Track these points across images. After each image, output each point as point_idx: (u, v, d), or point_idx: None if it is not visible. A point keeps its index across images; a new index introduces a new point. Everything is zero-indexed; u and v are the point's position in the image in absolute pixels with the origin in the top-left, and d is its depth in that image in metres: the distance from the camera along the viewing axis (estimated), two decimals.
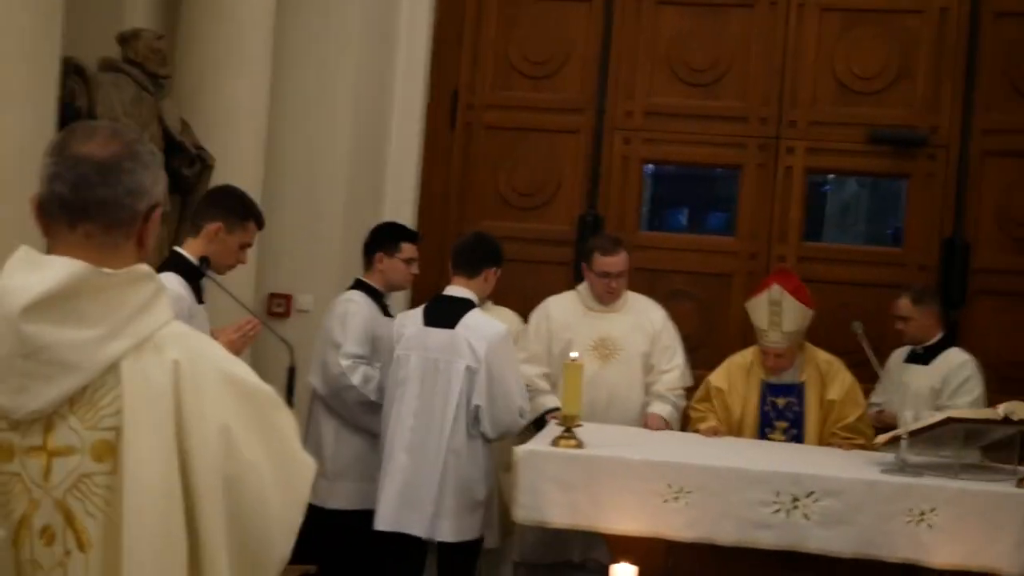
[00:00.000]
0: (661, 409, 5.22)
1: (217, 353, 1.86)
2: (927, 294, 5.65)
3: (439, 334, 4.58)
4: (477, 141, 6.82)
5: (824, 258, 6.53)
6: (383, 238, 5.04)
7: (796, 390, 5.14)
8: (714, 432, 4.98)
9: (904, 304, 5.50)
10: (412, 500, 4.48)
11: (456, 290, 4.72)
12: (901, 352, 5.55)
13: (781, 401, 5.13)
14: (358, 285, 5.01)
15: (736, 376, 5.22)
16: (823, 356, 5.23)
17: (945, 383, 5.33)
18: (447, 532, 4.50)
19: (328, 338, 4.88)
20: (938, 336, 5.49)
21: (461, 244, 4.96)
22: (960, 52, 6.36)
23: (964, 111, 6.37)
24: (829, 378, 5.13)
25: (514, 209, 6.76)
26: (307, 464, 2.00)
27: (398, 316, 4.90)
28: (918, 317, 5.47)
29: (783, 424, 5.11)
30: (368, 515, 4.61)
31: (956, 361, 5.41)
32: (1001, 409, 4.25)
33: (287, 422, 1.97)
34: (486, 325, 4.66)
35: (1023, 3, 6.31)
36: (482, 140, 6.82)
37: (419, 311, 4.73)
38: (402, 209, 6.46)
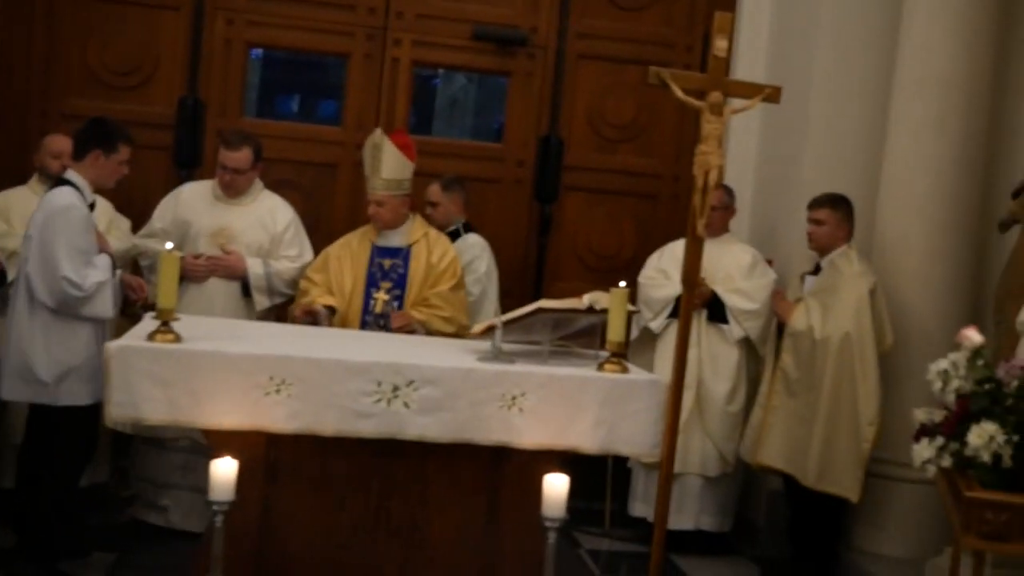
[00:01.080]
0: (252, 263, 5.42)
1: None
2: (455, 182, 6.00)
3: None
4: (63, 9, 6.22)
5: (430, 152, 6.59)
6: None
7: (402, 253, 5.39)
8: (305, 311, 5.19)
9: (434, 190, 5.91)
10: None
11: (68, 172, 4.81)
12: None
13: (387, 263, 5.37)
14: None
15: (351, 240, 5.46)
16: (434, 230, 5.54)
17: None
18: (6, 391, 4.69)
19: None
20: (462, 220, 5.95)
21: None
22: None
23: (561, 14, 6.65)
24: (435, 246, 5.42)
25: (108, 88, 6.29)
26: None
27: None
28: (445, 202, 5.89)
29: (387, 284, 5.34)
30: None
31: (468, 242, 5.89)
32: (586, 299, 4.51)
33: None
34: (52, 198, 4.69)
35: None
36: (69, 9, 6.23)
37: None
38: None
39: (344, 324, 5.30)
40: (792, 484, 5.44)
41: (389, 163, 5.27)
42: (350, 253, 5.42)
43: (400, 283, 5.34)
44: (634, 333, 5.92)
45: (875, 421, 5.16)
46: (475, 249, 5.87)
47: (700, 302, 5.67)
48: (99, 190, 4.90)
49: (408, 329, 5.20)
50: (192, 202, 5.50)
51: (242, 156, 5.42)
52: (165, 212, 5.51)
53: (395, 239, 5.42)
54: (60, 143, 5.41)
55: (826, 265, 5.50)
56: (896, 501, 5.41)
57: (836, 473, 5.20)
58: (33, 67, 6.21)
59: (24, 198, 5.45)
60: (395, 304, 5.28)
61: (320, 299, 5.30)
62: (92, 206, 4.81)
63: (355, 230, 5.63)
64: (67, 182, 4.76)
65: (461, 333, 5.25)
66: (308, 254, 5.58)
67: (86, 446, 4.87)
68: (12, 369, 4.64)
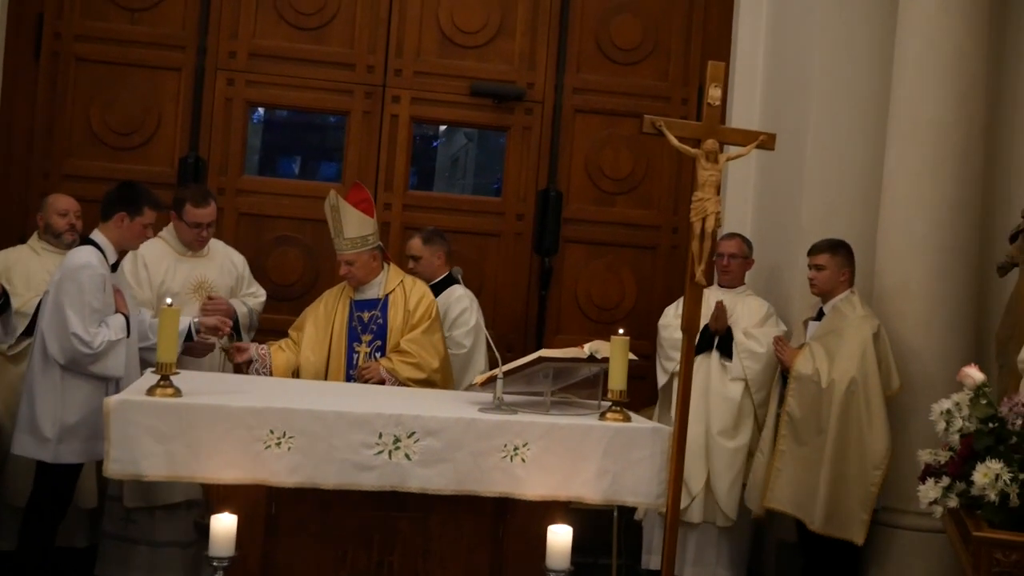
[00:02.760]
0: (236, 303, 5.52)
1: None
2: (437, 235, 5.98)
3: None
4: (66, 73, 6.31)
5: (429, 206, 6.68)
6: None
7: (380, 304, 5.37)
8: (238, 351, 5.26)
9: (415, 244, 5.90)
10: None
11: (93, 232, 4.88)
12: None
13: (366, 315, 5.35)
14: None
15: (328, 299, 5.45)
16: (410, 277, 5.51)
17: (446, 314, 5.75)
18: (16, 446, 4.72)
19: None
20: (445, 273, 5.90)
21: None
22: (554, 14, 6.72)
23: (557, 70, 6.72)
24: (412, 292, 5.38)
25: (109, 148, 6.35)
26: None
27: None
28: (428, 256, 5.88)
29: (368, 337, 5.31)
30: None
31: (455, 295, 5.85)
32: (587, 348, 4.51)
33: None
34: (71, 257, 4.77)
35: None
36: (72, 73, 6.31)
37: None
38: None
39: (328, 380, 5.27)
40: (805, 532, 5.39)
41: (350, 222, 5.25)
42: (327, 311, 5.39)
43: (380, 334, 5.31)
44: (662, 380, 5.94)
45: (882, 464, 5.14)
46: (463, 301, 5.83)
47: (717, 329, 5.74)
48: (123, 251, 4.95)
49: (376, 379, 5.17)
50: (158, 263, 5.46)
51: (213, 209, 5.49)
52: (138, 279, 5.42)
53: (371, 291, 5.38)
54: (65, 202, 5.49)
55: (829, 310, 5.51)
56: (906, 548, 5.34)
57: (842, 517, 5.16)
58: (36, 129, 6.28)
59: (25, 257, 5.48)
60: (377, 355, 5.25)
61: (273, 347, 5.32)
62: (115, 267, 4.86)
63: (332, 288, 5.58)
64: (91, 242, 4.81)
65: (432, 378, 5.23)
66: (262, 292, 5.75)
67: (63, 504, 4.84)
68: (22, 424, 4.66)
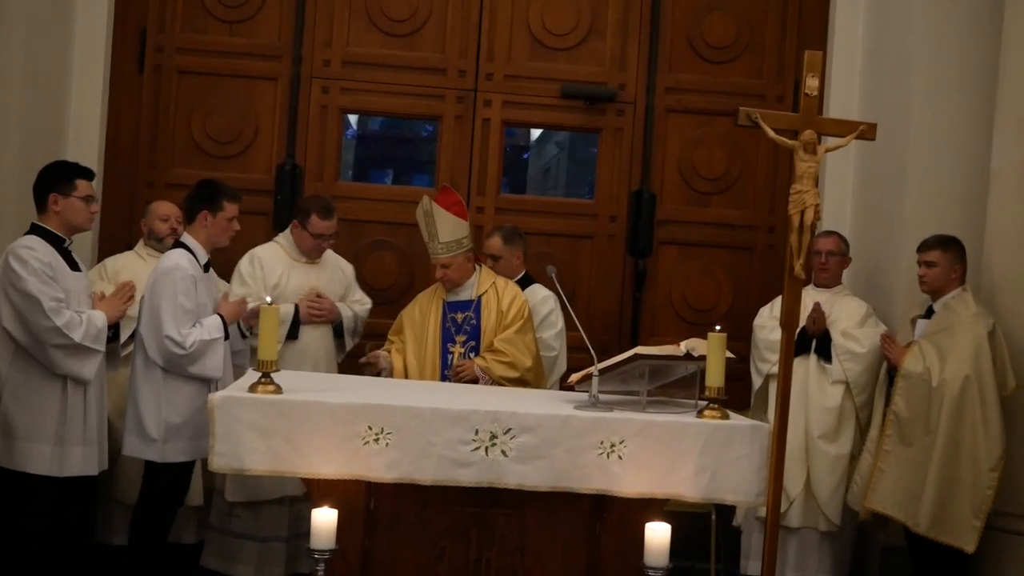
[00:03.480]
0: (342, 307, 5.66)
1: None
2: (516, 234, 5.94)
3: None
4: (168, 85, 6.48)
5: (522, 209, 6.69)
6: (56, 177, 4.66)
7: (473, 305, 5.42)
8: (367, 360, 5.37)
9: (495, 243, 5.84)
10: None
11: (183, 235, 5.04)
12: None
13: (459, 316, 5.40)
14: (34, 230, 4.61)
15: (422, 301, 5.52)
16: (502, 278, 5.54)
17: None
18: (126, 447, 4.84)
19: (13, 288, 4.45)
20: (523, 272, 5.87)
21: None
22: (645, 13, 6.68)
23: (649, 69, 6.68)
24: (504, 293, 5.43)
25: (210, 157, 6.50)
26: None
27: None
28: (507, 255, 5.83)
29: (462, 338, 5.36)
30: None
31: (540, 296, 5.81)
32: (683, 346, 4.46)
33: None
34: (163, 260, 4.92)
35: None
36: (173, 85, 6.49)
37: None
38: (87, 156, 5.97)
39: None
40: (913, 537, 5.24)
41: (444, 227, 5.30)
42: (422, 312, 5.46)
43: (474, 334, 5.35)
44: (757, 383, 5.86)
45: (998, 467, 4.97)
46: (549, 302, 5.81)
47: (815, 332, 5.63)
48: (214, 249, 5.06)
49: (470, 377, 5.21)
50: (274, 267, 5.60)
51: (336, 222, 5.65)
52: (254, 277, 5.58)
53: (464, 293, 5.44)
54: (167, 208, 5.68)
55: (939, 308, 5.35)
56: (1021, 556, 5.15)
57: (951, 522, 5.00)
58: (141, 140, 6.46)
59: (132, 263, 5.68)
60: (471, 355, 5.29)
61: (386, 353, 5.42)
62: (207, 267, 4.97)
63: (425, 290, 5.67)
64: (181, 244, 4.94)
65: (525, 377, 5.25)
66: (368, 300, 5.87)
67: (174, 502, 4.96)
68: (130, 426, 4.79)
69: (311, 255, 5.65)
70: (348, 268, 5.86)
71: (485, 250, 5.84)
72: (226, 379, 4.84)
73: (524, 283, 5.83)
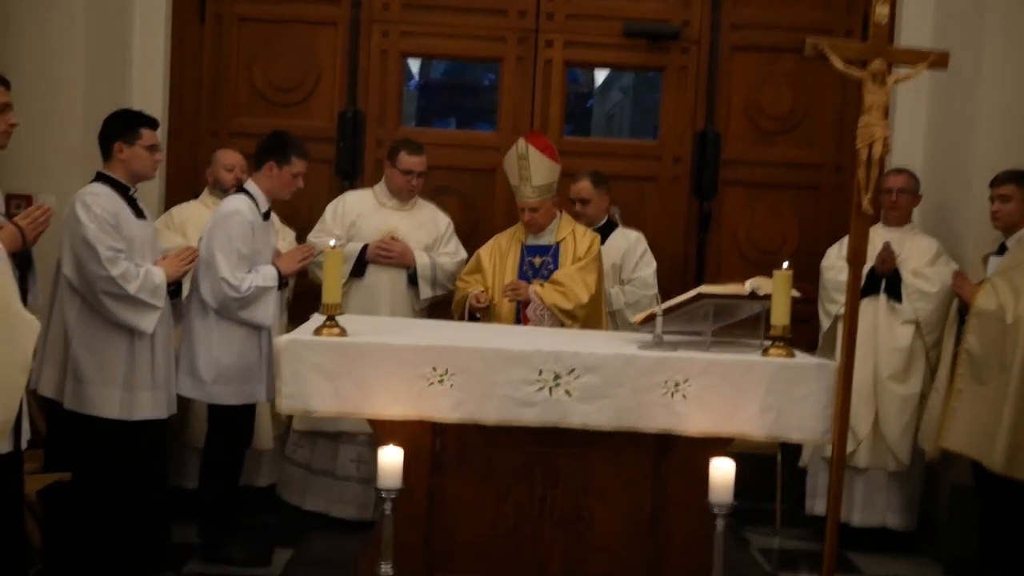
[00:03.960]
0: (419, 253, 5.61)
1: None
2: (603, 178, 5.91)
3: None
4: (229, 34, 6.52)
5: (585, 152, 6.62)
6: (120, 126, 4.70)
7: (552, 251, 5.46)
8: (476, 300, 5.34)
9: (585, 187, 5.79)
10: None
11: (247, 182, 5.08)
12: None
13: (537, 260, 5.46)
14: (99, 178, 4.67)
15: (500, 242, 5.57)
16: (580, 226, 5.56)
17: (625, 259, 5.76)
18: (179, 386, 4.88)
19: (75, 235, 4.51)
20: (605, 218, 5.85)
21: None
22: None
23: (713, 6, 6.55)
24: (581, 240, 5.47)
25: (272, 105, 6.53)
26: (30, 324, 1.85)
27: None
28: (596, 199, 5.78)
29: (539, 281, 5.38)
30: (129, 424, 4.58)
31: (632, 238, 5.83)
32: (748, 285, 4.40)
33: (7, 283, 1.81)
34: (223, 204, 5.01)
35: None
36: (234, 33, 6.52)
37: None
38: (150, 106, 5.96)
39: (500, 323, 5.39)
40: (983, 476, 5.17)
41: (538, 170, 5.35)
42: (501, 254, 5.52)
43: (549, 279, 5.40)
44: (825, 325, 5.80)
45: None
46: (643, 242, 5.86)
47: (884, 271, 5.55)
48: (275, 201, 5.09)
49: (524, 297, 5.29)
50: (358, 207, 5.72)
51: (424, 159, 5.69)
52: (335, 216, 5.70)
53: (545, 238, 5.51)
54: (232, 157, 5.72)
55: (1013, 244, 5.23)
56: None
57: None
58: (203, 90, 6.51)
59: (197, 212, 5.73)
60: None
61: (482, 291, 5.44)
62: (267, 215, 5.00)
63: (503, 231, 5.71)
64: (244, 191, 4.97)
65: (576, 313, 5.28)
66: (463, 253, 5.77)
67: (237, 445, 5.04)
68: (184, 366, 4.88)
69: (402, 195, 5.68)
70: (443, 220, 5.83)
71: (573, 195, 5.81)
72: (275, 331, 4.88)
73: (609, 227, 5.84)
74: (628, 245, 5.79)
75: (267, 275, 4.87)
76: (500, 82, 6.62)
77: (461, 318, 5.42)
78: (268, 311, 4.86)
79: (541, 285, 5.32)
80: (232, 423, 4.95)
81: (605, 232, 5.79)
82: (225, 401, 4.89)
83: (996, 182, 5.27)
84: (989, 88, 5.71)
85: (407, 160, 5.62)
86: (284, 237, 5.80)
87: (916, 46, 5.06)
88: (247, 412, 5.00)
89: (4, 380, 1.75)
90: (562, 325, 5.28)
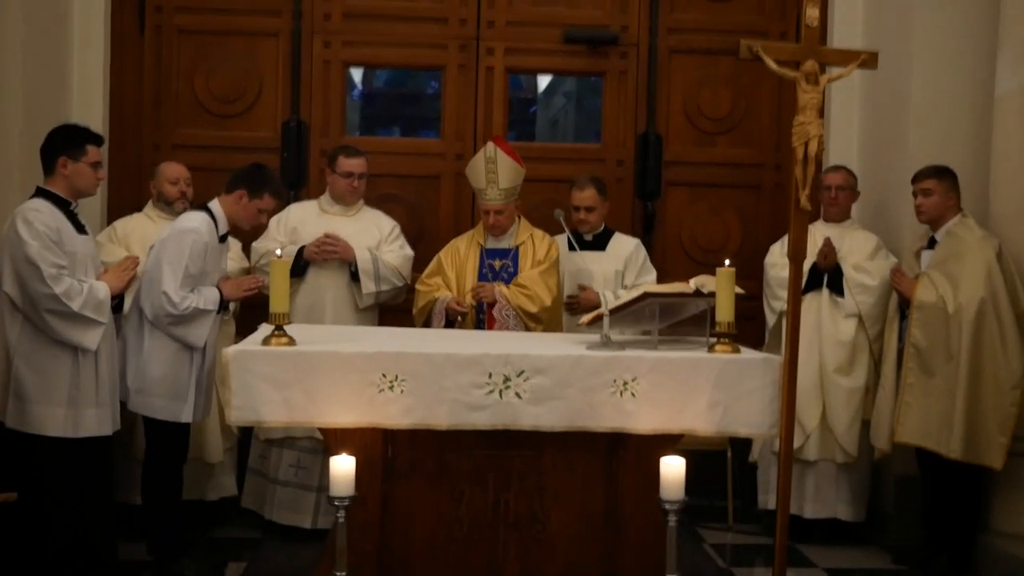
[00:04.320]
0: (360, 249, 5.60)
1: None
2: (605, 185, 5.98)
3: None
4: (169, 45, 6.47)
5: (529, 156, 6.58)
6: (66, 141, 4.65)
7: (511, 254, 5.56)
8: (457, 304, 5.37)
9: (591, 195, 5.87)
10: None
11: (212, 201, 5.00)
12: (563, 239, 5.79)
13: (497, 263, 5.56)
14: (40, 193, 4.63)
15: (459, 246, 5.65)
16: (538, 231, 5.68)
17: (628, 265, 5.84)
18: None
19: (16, 252, 4.45)
20: (603, 225, 5.94)
21: None
22: None
23: (651, 11, 6.63)
24: (539, 244, 5.58)
25: (214, 116, 6.50)
26: None
27: None
28: (600, 206, 5.88)
29: (499, 284, 5.45)
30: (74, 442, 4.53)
31: (632, 244, 5.94)
32: (692, 283, 4.47)
33: None
34: (181, 219, 4.97)
35: None
36: (175, 44, 6.48)
37: None
38: (91, 118, 5.93)
39: (461, 326, 5.44)
40: (928, 466, 5.29)
41: (505, 173, 5.44)
42: (460, 257, 5.58)
43: (511, 282, 5.46)
44: (771, 321, 5.89)
45: (1020, 384, 5.04)
46: (643, 248, 6.00)
47: (826, 267, 5.65)
48: (235, 228, 5.08)
49: (489, 299, 5.37)
50: (300, 215, 5.77)
51: (363, 161, 5.75)
52: (278, 225, 5.73)
53: (504, 241, 5.59)
54: (176, 170, 5.68)
55: (942, 236, 5.36)
56: None
57: (980, 443, 5.05)
58: (144, 102, 6.46)
59: (141, 225, 5.68)
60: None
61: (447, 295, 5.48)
62: (224, 238, 4.99)
63: (461, 235, 5.76)
64: (207, 209, 4.93)
65: (541, 316, 5.36)
66: (409, 250, 5.80)
67: (175, 459, 4.96)
68: (119, 371, 4.81)
69: (345, 199, 5.73)
70: (387, 224, 5.84)
71: (578, 202, 5.84)
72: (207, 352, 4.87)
73: (607, 234, 5.94)
74: (630, 251, 5.88)
75: (209, 298, 4.81)
76: (443, 90, 6.65)
77: (427, 324, 5.43)
78: (202, 333, 4.80)
79: (507, 287, 5.40)
80: (167, 436, 4.86)
81: (604, 238, 5.90)
82: (149, 413, 4.82)
83: (917, 178, 5.41)
84: (919, 86, 5.84)
85: (346, 163, 5.69)
86: (230, 247, 5.77)
87: (847, 47, 5.18)
88: (181, 426, 4.91)
89: None
90: (527, 328, 5.33)
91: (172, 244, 4.76)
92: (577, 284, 5.72)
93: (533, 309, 5.35)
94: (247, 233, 5.95)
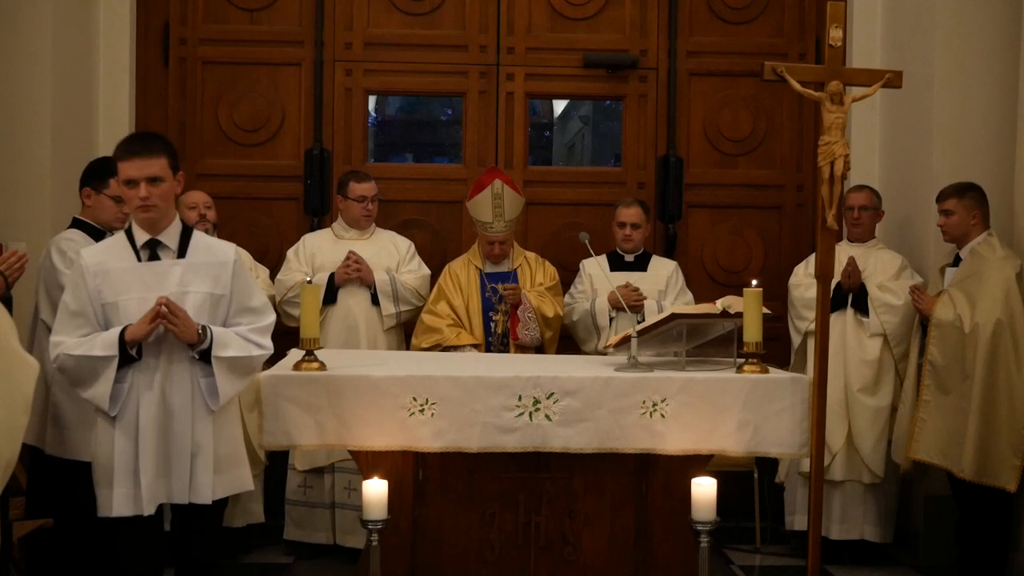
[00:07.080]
0: (378, 271, 5.72)
1: None
2: (650, 208, 6.13)
3: None
4: (194, 76, 6.55)
5: (550, 180, 6.72)
6: (92, 173, 4.72)
7: (511, 277, 5.82)
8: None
9: (637, 212, 5.98)
10: None
11: None
12: (601, 260, 5.85)
13: (500, 286, 5.76)
14: (75, 224, 4.68)
15: (456, 271, 5.88)
16: (530, 252, 6.02)
17: (668, 286, 5.97)
18: None
19: (50, 280, 4.50)
20: (642, 247, 6.11)
21: None
22: None
23: (670, 34, 6.68)
24: (537, 267, 5.89)
25: (238, 146, 6.56)
26: (29, 365, 1.87)
27: None
28: (645, 226, 6.00)
29: (503, 307, 5.72)
30: None
31: (671, 266, 6.10)
32: (719, 303, 4.48)
33: (4, 322, 1.83)
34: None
35: None
36: (199, 75, 6.55)
37: None
38: None
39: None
40: (957, 484, 5.27)
41: (511, 206, 5.70)
42: (461, 283, 5.79)
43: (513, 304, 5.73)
44: (796, 341, 5.88)
45: None
46: (680, 272, 6.14)
47: (850, 286, 5.66)
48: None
49: (515, 299, 5.64)
50: (316, 243, 5.91)
51: (374, 185, 5.90)
52: (297, 256, 5.86)
53: (503, 265, 5.86)
54: (193, 196, 5.70)
55: (966, 255, 5.36)
56: None
57: (994, 465, 5.02)
58: (169, 133, 6.49)
59: None
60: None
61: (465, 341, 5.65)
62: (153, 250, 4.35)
63: (454, 260, 6.00)
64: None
65: (553, 325, 5.72)
66: (426, 269, 5.96)
67: None
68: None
69: (360, 224, 5.87)
70: (403, 244, 5.98)
71: (625, 219, 6.00)
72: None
73: (646, 256, 6.10)
74: (670, 273, 6.03)
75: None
76: (464, 116, 6.70)
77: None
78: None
79: (529, 291, 5.72)
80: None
81: (645, 260, 6.06)
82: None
83: (940, 198, 5.43)
84: (941, 103, 5.84)
85: (358, 188, 5.84)
86: (258, 275, 5.82)
87: (866, 66, 5.20)
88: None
89: (6, 420, 1.76)
90: (541, 335, 5.63)
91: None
92: (627, 280, 5.82)
93: (549, 314, 5.68)
94: (273, 257, 6.05)
